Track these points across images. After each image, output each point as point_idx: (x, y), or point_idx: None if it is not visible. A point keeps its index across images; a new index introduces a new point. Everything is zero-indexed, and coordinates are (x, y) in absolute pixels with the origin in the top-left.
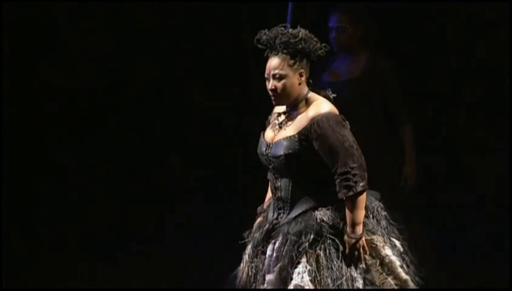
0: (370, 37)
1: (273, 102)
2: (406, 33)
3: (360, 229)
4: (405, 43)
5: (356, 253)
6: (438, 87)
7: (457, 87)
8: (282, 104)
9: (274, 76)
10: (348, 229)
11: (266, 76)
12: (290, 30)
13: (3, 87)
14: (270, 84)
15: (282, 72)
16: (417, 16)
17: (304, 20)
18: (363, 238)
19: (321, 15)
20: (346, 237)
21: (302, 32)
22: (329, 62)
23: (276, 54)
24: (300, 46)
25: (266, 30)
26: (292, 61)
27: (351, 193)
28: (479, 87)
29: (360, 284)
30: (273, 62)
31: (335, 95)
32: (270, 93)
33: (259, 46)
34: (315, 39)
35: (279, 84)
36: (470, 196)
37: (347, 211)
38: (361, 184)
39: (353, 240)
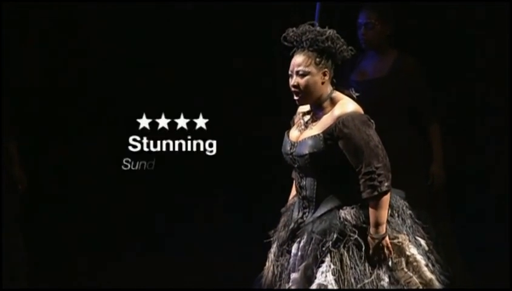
0: (399, 37)
1: (296, 101)
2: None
3: (383, 229)
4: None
5: (380, 252)
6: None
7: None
8: (304, 103)
9: (297, 73)
10: (371, 229)
11: (289, 72)
12: (318, 28)
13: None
14: (293, 80)
15: (306, 69)
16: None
17: (332, 20)
18: (387, 238)
19: (349, 16)
20: (369, 237)
21: (329, 31)
22: (357, 61)
23: (302, 52)
24: (326, 44)
25: (294, 28)
26: (317, 59)
27: (376, 193)
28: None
29: (385, 282)
30: (298, 59)
31: (358, 94)
32: (292, 89)
33: (286, 44)
34: (342, 40)
35: (302, 81)
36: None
37: (370, 211)
38: (385, 184)
39: (377, 241)
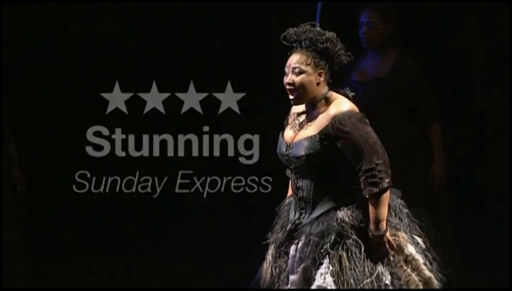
0: (400, 37)
1: (291, 101)
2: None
3: (383, 225)
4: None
5: (382, 249)
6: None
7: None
8: (299, 103)
9: (293, 70)
10: (371, 226)
11: (285, 69)
12: (318, 29)
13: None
14: (288, 78)
15: (302, 67)
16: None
17: (332, 21)
18: (387, 234)
19: (350, 17)
20: (370, 235)
21: (329, 33)
22: (358, 61)
23: (300, 51)
24: (325, 45)
25: (294, 27)
26: (315, 60)
27: (377, 190)
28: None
29: (388, 279)
30: (296, 57)
31: (353, 94)
32: (287, 87)
33: (285, 43)
34: (341, 44)
35: (297, 79)
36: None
37: (371, 209)
38: (386, 180)
39: (378, 238)
